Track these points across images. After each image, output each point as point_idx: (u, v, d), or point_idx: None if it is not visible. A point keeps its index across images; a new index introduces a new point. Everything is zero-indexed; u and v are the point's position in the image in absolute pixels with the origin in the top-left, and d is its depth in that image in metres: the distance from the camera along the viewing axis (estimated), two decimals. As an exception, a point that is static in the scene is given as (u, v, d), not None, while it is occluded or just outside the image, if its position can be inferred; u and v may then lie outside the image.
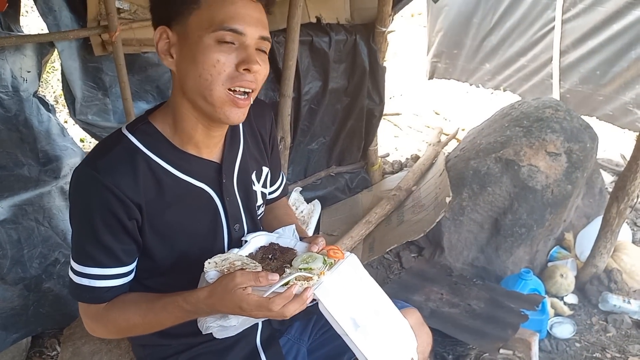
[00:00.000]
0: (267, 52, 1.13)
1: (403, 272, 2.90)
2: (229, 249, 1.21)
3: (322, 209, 3.27)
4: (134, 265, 1.20)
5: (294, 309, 1.00)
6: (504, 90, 5.70)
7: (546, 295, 2.63)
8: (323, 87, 3.21)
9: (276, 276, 1.02)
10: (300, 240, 1.24)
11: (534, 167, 2.85)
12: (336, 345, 1.40)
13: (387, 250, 2.90)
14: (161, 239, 1.18)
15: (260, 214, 1.40)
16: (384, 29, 3.20)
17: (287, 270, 1.09)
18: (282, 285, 1.02)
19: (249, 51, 1.07)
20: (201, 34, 1.05)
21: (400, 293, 2.41)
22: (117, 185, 1.07)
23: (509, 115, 3.23)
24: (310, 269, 1.07)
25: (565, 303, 2.78)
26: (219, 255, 1.13)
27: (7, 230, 2.11)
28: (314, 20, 3.05)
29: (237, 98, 1.08)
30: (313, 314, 1.43)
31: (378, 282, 1.18)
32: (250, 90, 1.10)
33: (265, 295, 1.01)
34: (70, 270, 1.17)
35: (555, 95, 5.17)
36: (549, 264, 2.94)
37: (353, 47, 3.21)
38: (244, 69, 1.06)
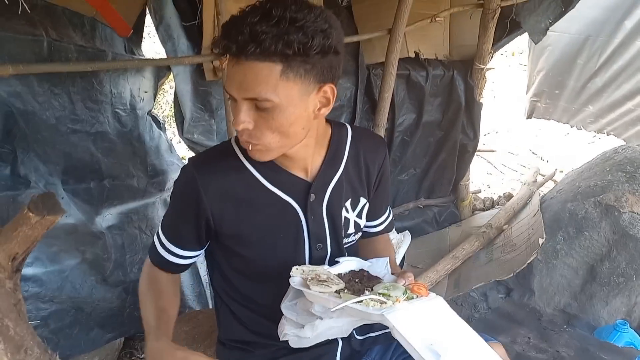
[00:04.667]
0: (273, 109, 1.07)
1: (489, 312, 2.82)
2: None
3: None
4: (192, 253, 1.33)
5: None
6: (608, 134, 5.43)
7: (644, 351, 2.47)
8: (417, 120, 3.24)
9: None
10: (392, 274, 1.25)
11: (637, 214, 2.70)
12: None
13: (473, 287, 2.84)
14: (246, 242, 1.27)
15: (351, 242, 1.41)
16: (482, 66, 3.19)
17: (367, 292, 1.10)
18: (356, 302, 1.03)
19: (235, 111, 1.11)
20: None
21: (485, 332, 2.34)
22: (204, 185, 1.21)
23: (611, 160, 3.10)
24: (389, 295, 1.08)
25: (665, 362, 2.58)
26: (308, 265, 1.19)
27: (114, 235, 2.25)
28: (412, 55, 3.10)
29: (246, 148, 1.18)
30: (395, 339, 1.45)
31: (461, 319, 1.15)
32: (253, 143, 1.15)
33: (334, 308, 1.04)
34: None
35: (664, 141, 4.88)
36: (649, 318, 2.76)
37: (450, 82, 3.22)
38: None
